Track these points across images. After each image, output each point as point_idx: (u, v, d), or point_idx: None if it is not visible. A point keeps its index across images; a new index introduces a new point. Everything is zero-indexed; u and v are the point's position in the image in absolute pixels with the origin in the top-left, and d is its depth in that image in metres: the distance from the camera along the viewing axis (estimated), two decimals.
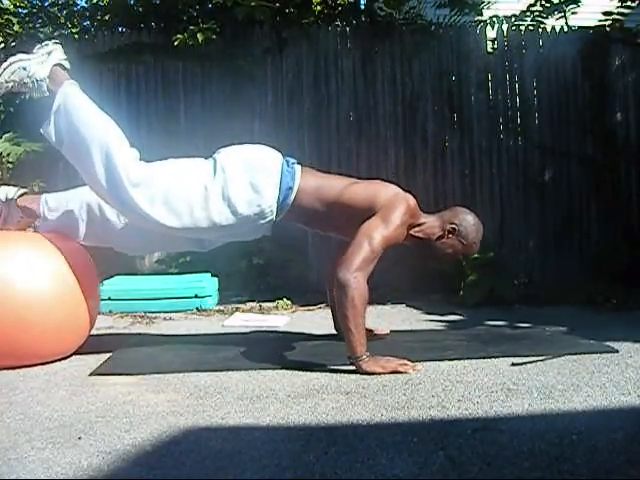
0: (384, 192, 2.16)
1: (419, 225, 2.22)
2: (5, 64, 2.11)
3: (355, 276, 1.93)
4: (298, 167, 2.22)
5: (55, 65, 2.14)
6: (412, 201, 2.19)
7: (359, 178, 2.31)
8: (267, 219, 2.16)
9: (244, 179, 2.11)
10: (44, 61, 2.13)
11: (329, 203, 2.15)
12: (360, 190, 2.18)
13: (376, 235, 2.01)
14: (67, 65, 2.19)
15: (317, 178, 2.24)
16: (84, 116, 2.10)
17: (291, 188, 2.14)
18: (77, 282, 2.16)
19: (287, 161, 2.21)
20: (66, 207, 2.31)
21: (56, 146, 2.13)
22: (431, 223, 2.23)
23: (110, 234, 2.30)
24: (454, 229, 2.19)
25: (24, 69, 2.11)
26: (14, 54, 2.16)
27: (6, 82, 2.10)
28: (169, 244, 2.40)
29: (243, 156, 2.18)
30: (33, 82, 2.10)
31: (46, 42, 2.20)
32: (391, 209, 2.09)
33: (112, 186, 2.05)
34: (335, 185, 2.20)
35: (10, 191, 2.34)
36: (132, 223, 2.20)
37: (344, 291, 1.92)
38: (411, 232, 2.20)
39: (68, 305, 2.14)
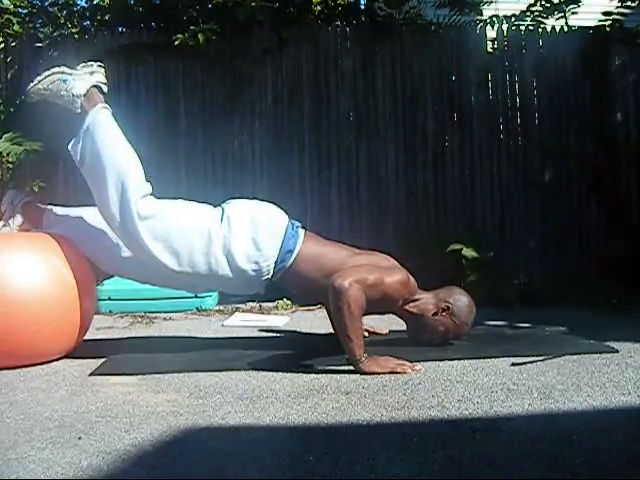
0: (386, 262, 2.22)
1: (414, 300, 2.25)
2: (47, 72, 2.15)
3: (350, 283, 1.93)
4: (302, 232, 2.23)
5: (94, 86, 2.19)
6: (411, 277, 2.23)
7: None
8: (263, 277, 2.17)
9: (247, 233, 2.14)
10: (85, 79, 2.18)
11: (328, 273, 2.09)
12: (362, 261, 2.19)
13: (375, 273, 2.05)
14: (105, 89, 2.23)
15: (320, 246, 2.24)
16: (109, 140, 2.14)
17: (291, 251, 2.16)
18: (74, 281, 2.16)
19: (292, 224, 2.23)
20: (66, 222, 2.31)
21: (78, 165, 2.17)
22: (426, 299, 2.26)
23: (105, 256, 2.31)
24: (448, 307, 2.23)
25: (64, 82, 2.15)
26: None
27: (44, 89, 2.15)
28: (162, 280, 2.36)
29: (251, 211, 2.21)
30: (69, 96, 2.14)
31: (91, 62, 2.25)
32: (392, 271, 2.15)
33: (121, 214, 2.08)
34: (337, 255, 2.21)
35: (17, 196, 2.36)
36: (133, 254, 2.20)
37: (340, 298, 1.92)
38: (406, 307, 2.23)
39: (64, 304, 2.13)
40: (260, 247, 2.13)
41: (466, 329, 2.29)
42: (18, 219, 2.32)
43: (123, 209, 2.08)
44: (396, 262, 2.27)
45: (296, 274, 2.17)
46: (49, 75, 2.15)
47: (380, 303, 2.09)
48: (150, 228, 2.09)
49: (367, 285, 1.98)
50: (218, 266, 2.12)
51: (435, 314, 2.24)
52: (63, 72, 2.16)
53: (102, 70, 2.24)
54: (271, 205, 2.28)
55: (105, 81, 2.24)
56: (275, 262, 2.15)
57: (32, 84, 2.15)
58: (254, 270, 2.15)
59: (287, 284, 2.25)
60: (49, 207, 2.40)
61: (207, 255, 2.11)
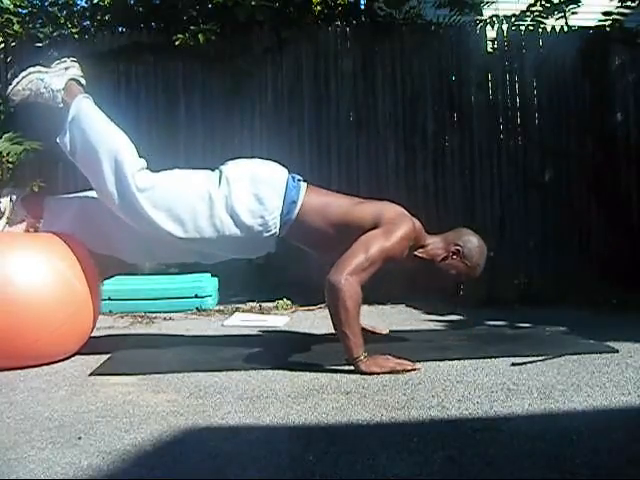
0: (391, 210, 2.16)
1: (423, 247, 2.21)
2: (24, 73, 2.19)
3: (346, 278, 1.91)
4: (304, 184, 2.22)
5: (71, 80, 2.21)
6: (417, 224, 2.19)
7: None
8: (270, 232, 2.16)
9: (248, 190, 2.13)
10: (61, 75, 2.21)
11: (334, 222, 2.13)
12: (366, 209, 2.17)
13: (374, 245, 2.00)
14: (83, 82, 2.26)
15: (323, 196, 2.24)
16: (96, 125, 2.16)
17: (295, 202, 2.15)
18: (79, 283, 2.16)
19: (293, 177, 2.22)
20: (67, 210, 2.32)
21: (69, 155, 2.19)
22: (435, 244, 2.22)
23: (110, 240, 2.30)
24: (458, 250, 2.19)
25: (41, 80, 2.18)
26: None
27: (23, 90, 2.17)
28: (171, 254, 2.39)
29: (249, 169, 2.20)
30: (49, 92, 2.17)
31: (64, 59, 2.27)
32: (395, 224, 2.08)
33: (119, 191, 2.09)
34: (341, 204, 2.20)
35: (14, 192, 2.37)
36: (140, 230, 2.20)
37: (335, 294, 1.90)
38: (415, 253, 2.20)
39: (70, 306, 2.13)
40: (263, 201, 2.12)
41: (479, 270, 2.24)
42: (20, 214, 2.32)
43: (121, 185, 2.08)
44: (401, 210, 2.19)
45: (303, 227, 2.16)
46: (26, 75, 2.18)
47: (390, 265, 2.08)
48: (150, 198, 2.09)
49: (365, 269, 1.95)
50: (224, 227, 2.11)
51: (445, 258, 2.19)
52: (39, 71, 2.19)
53: (76, 64, 2.27)
54: (269, 161, 2.27)
55: (81, 74, 2.27)
56: (280, 215, 2.13)
57: (11, 87, 2.18)
58: (260, 225, 2.13)
59: (296, 239, 2.23)
60: (48, 198, 2.40)
61: (211, 217, 2.10)
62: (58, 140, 2.17)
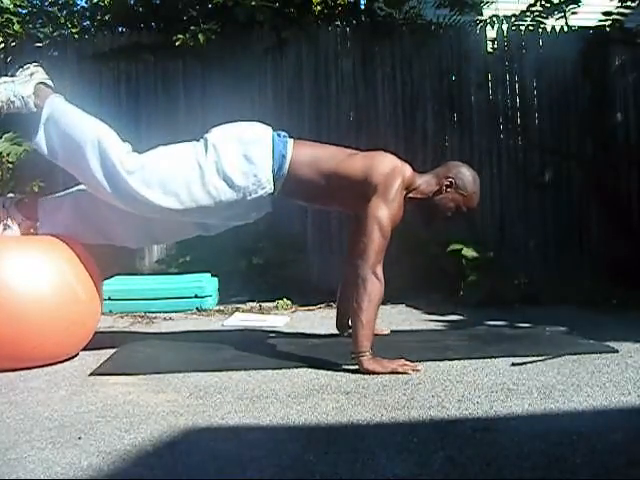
0: (381, 166, 2.15)
1: (415, 189, 2.22)
2: None
3: (375, 272, 1.99)
4: (290, 139, 2.23)
5: (39, 83, 2.20)
6: (408, 171, 2.20)
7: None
8: (265, 190, 2.15)
9: (237, 152, 2.13)
10: (27, 81, 2.19)
11: (326, 174, 2.16)
12: (357, 162, 2.19)
13: (383, 218, 2.04)
14: (50, 83, 2.24)
15: (312, 148, 2.25)
16: (73, 120, 2.15)
17: (284, 156, 2.16)
18: (81, 285, 2.16)
19: (278, 134, 2.23)
20: (62, 208, 2.32)
21: (49, 157, 2.18)
22: (427, 182, 2.24)
23: (109, 230, 2.31)
24: (451, 182, 2.22)
25: (10, 90, 2.16)
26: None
27: None
28: (171, 232, 2.40)
29: (233, 132, 2.20)
30: (20, 100, 2.15)
31: (27, 65, 2.26)
32: (389, 187, 2.10)
33: (109, 179, 2.08)
34: (332, 156, 2.22)
35: (6, 200, 2.37)
36: (137, 214, 2.20)
37: (364, 286, 1.96)
38: (409, 196, 2.21)
39: (72, 307, 2.13)
40: (253, 160, 2.12)
41: (476, 199, 2.27)
42: (17, 218, 2.32)
43: (109, 173, 2.08)
44: (393, 159, 2.20)
45: (296, 181, 2.16)
46: None
47: (398, 219, 2.13)
48: (141, 179, 2.08)
49: (384, 247, 2.03)
50: (219, 193, 2.11)
51: (440, 192, 2.21)
52: (5, 82, 2.18)
53: (40, 68, 2.25)
54: (251, 122, 2.27)
55: (47, 77, 2.25)
56: (273, 171, 2.14)
57: None
58: (255, 184, 2.13)
59: (291, 194, 2.22)
60: (41, 199, 2.39)
61: (205, 185, 2.10)
62: (31, 143, 2.17)
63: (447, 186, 2.21)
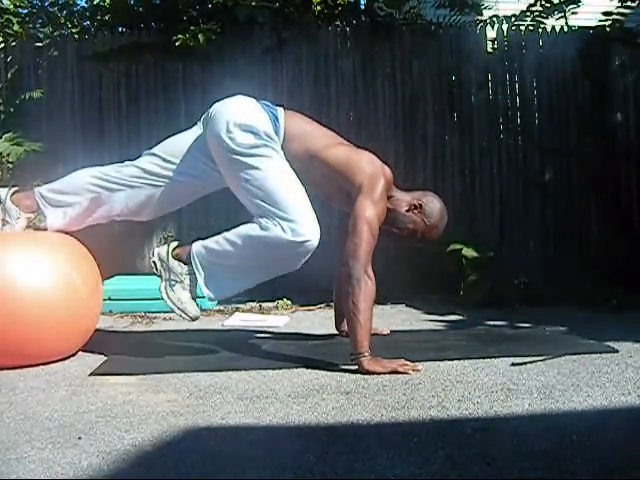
0: (364, 165, 2.17)
1: (390, 197, 2.24)
2: None
3: (367, 272, 1.99)
4: (279, 107, 2.28)
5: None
6: (388, 173, 2.23)
7: None
8: (272, 141, 2.15)
9: (234, 127, 2.15)
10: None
11: (311, 154, 2.18)
12: (342, 153, 2.21)
13: (371, 217, 2.05)
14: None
15: (303, 122, 2.29)
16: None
17: (277, 118, 2.19)
18: (80, 281, 2.16)
19: (262, 103, 2.28)
20: (66, 194, 2.30)
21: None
22: (400, 196, 2.28)
23: (122, 204, 2.30)
24: (420, 205, 2.24)
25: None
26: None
27: None
28: (182, 195, 2.39)
29: (221, 106, 2.27)
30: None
31: None
32: (374, 187, 2.12)
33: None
34: (321, 136, 2.27)
35: (2, 192, 2.36)
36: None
37: (359, 285, 1.97)
38: None
39: (71, 305, 2.13)
40: (252, 123, 2.15)
41: (435, 233, 2.28)
42: (14, 213, 2.31)
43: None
44: (373, 159, 2.21)
45: (289, 155, 2.17)
46: None
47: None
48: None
49: (372, 245, 2.03)
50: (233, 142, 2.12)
51: (407, 211, 2.24)
52: None
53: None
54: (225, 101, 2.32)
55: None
56: (273, 128, 2.16)
57: None
58: (267, 135, 2.14)
59: (293, 156, 2.22)
60: (35, 190, 2.38)
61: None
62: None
63: (414, 207, 2.24)
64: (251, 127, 2.13)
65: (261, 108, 2.22)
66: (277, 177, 2.10)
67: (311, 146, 2.20)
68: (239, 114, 2.17)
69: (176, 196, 2.34)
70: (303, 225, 2.03)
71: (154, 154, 2.30)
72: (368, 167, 2.16)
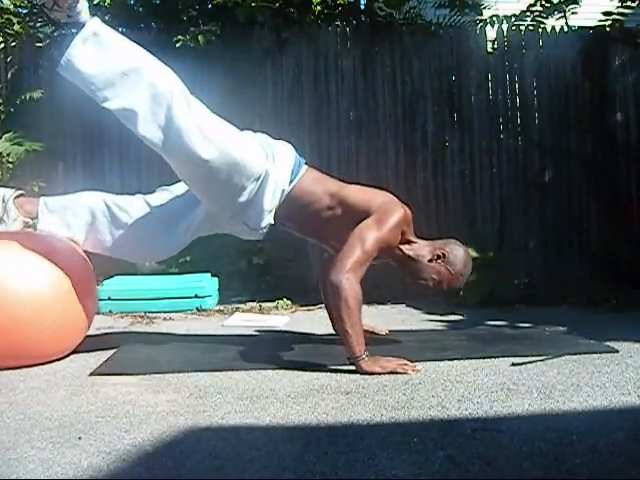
0: (382, 197, 2.18)
1: (410, 243, 2.22)
2: None
3: (347, 277, 1.92)
4: (304, 166, 2.28)
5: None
6: (408, 212, 2.20)
7: (359, 177, 2.32)
8: (279, 180, 2.17)
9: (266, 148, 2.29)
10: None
11: (330, 193, 2.18)
12: (359, 190, 2.22)
13: (369, 237, 2.01)
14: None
15: (320, 173, 2.29)
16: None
17: (300, 167, 2.22)
18: (74, 281, 2.15)
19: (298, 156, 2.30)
20: (66, 210, 2.31)
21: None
22: (422, 245, 2.24)
23: (114, 240, 2.30)
24: (444, 254, 2.19)
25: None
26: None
27: None
28: (176, 239, 2.36)
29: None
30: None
31: None
32: (387, 212, 2.10)
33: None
34: (336, 181, 2.27)
35: (7, 192, 2.36)
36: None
37: (337, 293, 1.92)
38: (402, 247, 2.20)
39: (65, 304, 2.13)
40: (276, 156, 2.22)
41: (461, 281, 2.24)
42: (12, 214, 2.31)
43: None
44: (394, 197, 2.21)
45: (299, 196, 2.19)
46: None
47: (383, 255, 2.12)
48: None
49: (363, 263, 1.97)
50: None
51: (430, 261, 2.19)
52: None
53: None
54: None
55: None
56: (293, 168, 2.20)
57: None
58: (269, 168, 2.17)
59: (286, 217, 2.23)
60: (42, 198, 2.39)
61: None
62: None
63: (438, 257, 2.19)
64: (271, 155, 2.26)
65: (292, 151, 2.29)
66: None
67: (332, 185, 2.22)
68: None
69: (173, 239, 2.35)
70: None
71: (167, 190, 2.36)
72: (385, 199, 2.17)
